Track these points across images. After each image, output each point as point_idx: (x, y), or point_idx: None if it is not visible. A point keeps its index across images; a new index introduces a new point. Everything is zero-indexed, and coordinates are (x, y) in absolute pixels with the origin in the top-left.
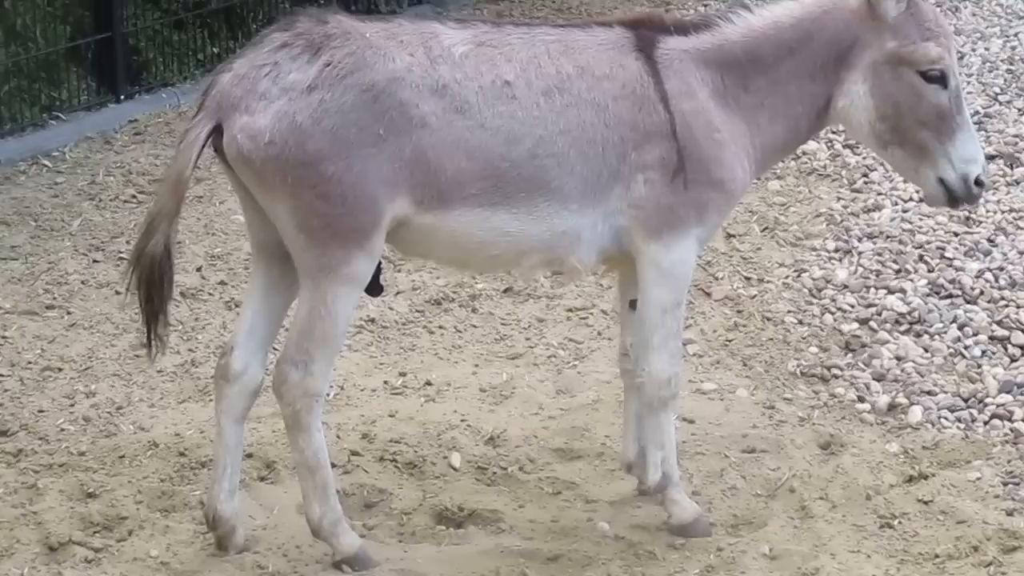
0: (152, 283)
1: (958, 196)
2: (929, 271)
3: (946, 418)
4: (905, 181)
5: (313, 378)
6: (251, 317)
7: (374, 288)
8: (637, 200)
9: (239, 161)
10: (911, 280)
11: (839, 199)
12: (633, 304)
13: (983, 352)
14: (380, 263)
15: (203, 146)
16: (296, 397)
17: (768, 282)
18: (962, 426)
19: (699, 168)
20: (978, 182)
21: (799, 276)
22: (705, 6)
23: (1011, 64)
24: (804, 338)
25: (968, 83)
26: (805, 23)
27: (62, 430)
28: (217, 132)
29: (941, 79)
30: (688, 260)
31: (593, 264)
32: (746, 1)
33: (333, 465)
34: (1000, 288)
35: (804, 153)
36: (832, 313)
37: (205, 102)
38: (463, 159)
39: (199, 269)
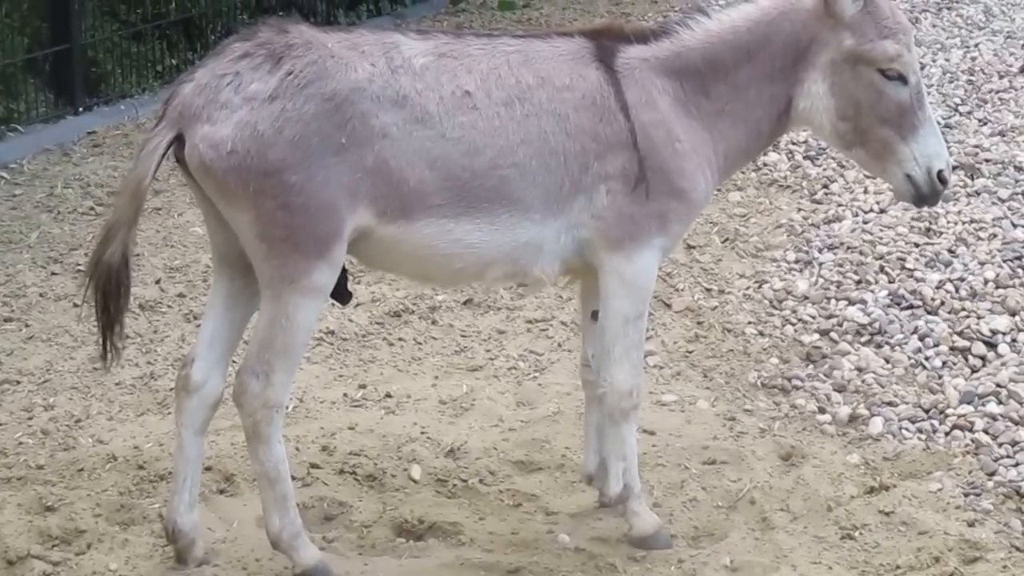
0: (109, 292)
1: (923, 193)
2: (890, 282)
3: (907, 429)
4: (872, 178)
5: (273, 389)
6: (212, 328)
7: (343, 295)
8: (599, 211)
9: (200, 171)
10: (872, 291)
11: (799, 210)
12: (595, 315)
13: (944, 363)
14: (345, 270)
15: (163, 155)
16: (256, 408)
17: (728, 293)
18: (923, 437)
19: (661, 178)
20: (941, 178)
21: (760, 287)
22: (664, 16)
23: (971, 75)
24: (765, 349)
25: (928, 94)
26: (762, 25)
27: (20, 443)
28: (178, 142)
29: (901, 76)
30: (650, 271)
31: (556, 275)
32: (703, 6)
33: (293, 478)
34: (961, 299)
35: (764, 164)
36: (793, 324)
37: (166, 112)
38: (424, 170)
39: (158, 281)
